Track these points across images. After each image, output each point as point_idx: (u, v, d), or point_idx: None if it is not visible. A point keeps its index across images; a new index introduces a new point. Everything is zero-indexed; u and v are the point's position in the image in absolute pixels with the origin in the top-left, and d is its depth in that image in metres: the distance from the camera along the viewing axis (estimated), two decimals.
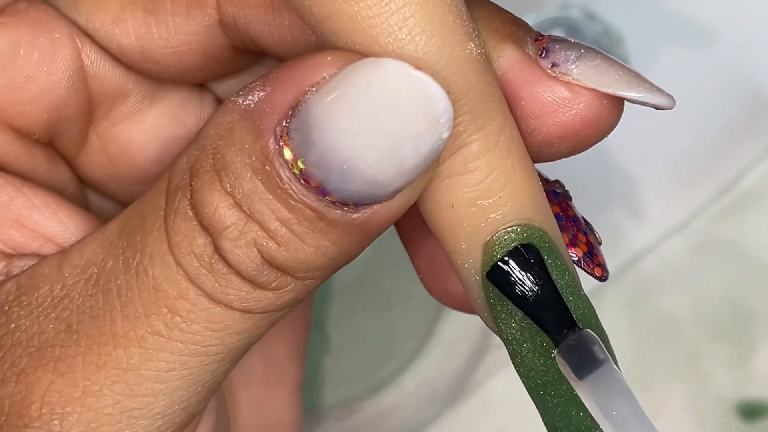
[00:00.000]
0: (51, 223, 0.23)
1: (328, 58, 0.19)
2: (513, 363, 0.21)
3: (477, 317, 0.40)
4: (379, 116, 0.18)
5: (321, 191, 0.19)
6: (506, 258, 0.20)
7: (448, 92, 0.19)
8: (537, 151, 0.21)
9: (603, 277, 0.23)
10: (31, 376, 0.21)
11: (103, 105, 0.25)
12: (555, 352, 0.20)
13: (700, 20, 0.46)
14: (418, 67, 0.18)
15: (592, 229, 0.23)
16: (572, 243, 0.22)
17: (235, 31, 0.24)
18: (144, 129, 0.25)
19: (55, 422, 0.20)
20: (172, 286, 0.20)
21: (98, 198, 0.27)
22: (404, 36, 0.19)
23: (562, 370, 0.20)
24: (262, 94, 0.19)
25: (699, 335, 0.42)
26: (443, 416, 0.41)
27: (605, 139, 0.47)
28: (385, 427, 0.40)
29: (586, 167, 0.42)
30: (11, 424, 0.21)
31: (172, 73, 0.24)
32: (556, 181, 0.23)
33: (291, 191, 0.19)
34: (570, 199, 0.23)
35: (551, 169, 0.23)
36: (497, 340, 0.42)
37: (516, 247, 0.20)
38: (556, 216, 0.22)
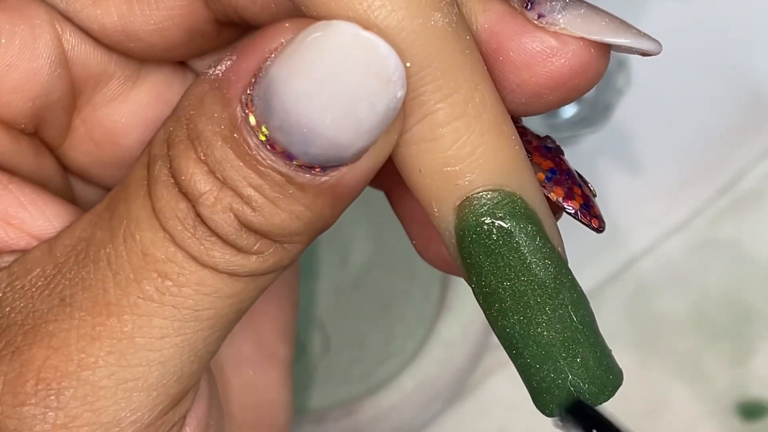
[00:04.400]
0: (38, 221, 0.23)
1: (286, 24, 0.19)
2: (489, 321, 0.21)
3: (476, 317, 0.40)
4: (332, 78, 0.19)
5: (287, 156, 0.19)
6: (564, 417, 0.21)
7: (409, 63, 0.19)
8: (526, 104, 0.22)
9: (600, 228, 0.23)
10: (26, 353, 0.21)
11: (86, 89, 0.25)
12: None
13: (700, 20, 0.46)
14: (367, 28, 0.19)
15: (586, 182, 0.23)
16: (568, 196, 0.22)
17: (218, 3, 0.24)
18: (128, 111, 0.26)
19: (52, 398, 0.20)
20: (160, 250, 0.20)
21: (84, 187, 0.27)
22: (365, 9, 0.19)
23: None
24: (228, 63, 0.20)
25: (699, 335, 0.42)
26: (443, 416, 0.41)
27: (605, 139, 0.47)
28: (385, 427, 0.40)
29: (586, 167, 0.42)
30: (5, 404, 0.21)
31: (156, 51, 0.24)
32: (547, 136, 0.23)
33: (259, 157, 0.19)
34: (562, 153, 0.23)
35: None
36: (497, 339, 0.42)
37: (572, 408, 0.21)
38: (550, 170, 0.22)
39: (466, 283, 0.40)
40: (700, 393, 0.41)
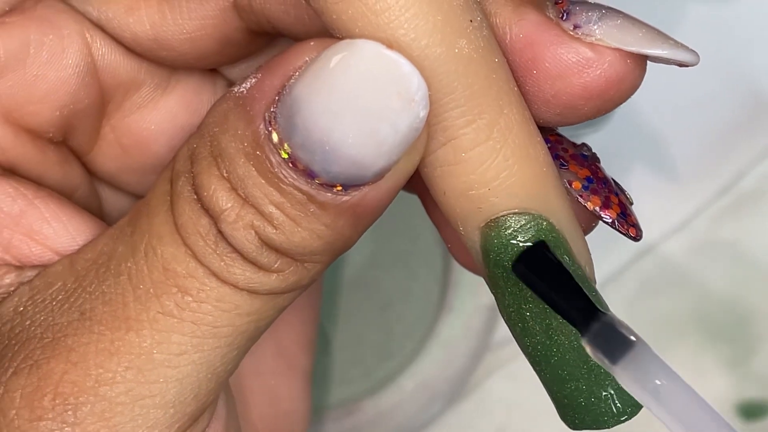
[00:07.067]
0: (61, 237, 0.23)
1: (311, 43, 0.19)
2: (514, 337, 0.21)
3: (476, 317, 0.40)
4: (354, 96, 0.19)
5: (309, 174, 0.19)
6: (518, 259, 0.20)
7: (431, 92, 0.19)
8: (561, 114, 0.22)
9: (638, 237, 0.23)
10: (44, 367, 0.21)
11: (116, 97, 0.25)
12: (583, 342, 0.20)
13: (700, 20, 0.46)
14: (391, 47, 0.19)
15: (622, 190, 0.23)
16: (605, 205, 0.22)
17: (250, 13, 0.24)
18: (158, 118, 0.26)
19: (69, 413, 0.20)
20: (181, 265, 0.20)
21: (111, 194, 0.27)
22: (387, 37, 0.19)
23: (594, 358, 0.20)
24: (254, 81, 0.20)
25: (699, 335, 0.42)
26: (443, 416, 0.41)
27: (605, 137, 0.47)
28: (385, 427, 0.40)
29: None
30: (22, 418, 0.20)
31: (187, 59, 0.24)
32: (584, 144, 0.23)
33: (281, 175, 0.19)
34: (598, 160, 0.23)
35: None
36: (497, 339, 0.42)
37: (527, 249, 0.20)
38: (586, 179, 0.22)
39: (466, 283, 0.40)
40: (700, 393, 0.41)
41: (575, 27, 0.21)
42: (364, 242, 0.41)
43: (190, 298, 0.20)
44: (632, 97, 0.47)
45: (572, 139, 0.45)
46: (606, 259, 0.43)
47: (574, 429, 0.22)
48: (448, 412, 0.41)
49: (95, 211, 0.26)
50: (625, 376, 0.19)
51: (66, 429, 0.20)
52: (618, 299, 0.43)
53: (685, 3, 0.46)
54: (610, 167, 0.45)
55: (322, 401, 0.40)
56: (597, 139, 0.44)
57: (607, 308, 0.21)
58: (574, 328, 0.20)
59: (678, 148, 0.45)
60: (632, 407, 0.21)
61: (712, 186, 0.44)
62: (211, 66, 0.26)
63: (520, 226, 0.20)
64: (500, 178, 0.20)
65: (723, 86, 0.45)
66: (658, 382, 0.19)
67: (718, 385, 0.41)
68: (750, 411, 0.41)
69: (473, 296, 0.40)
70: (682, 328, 0.42)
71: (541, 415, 0.42)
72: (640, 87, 0.44)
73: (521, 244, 0.20)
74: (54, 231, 0.23)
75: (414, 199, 0.26)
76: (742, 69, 0.45)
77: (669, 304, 0.43)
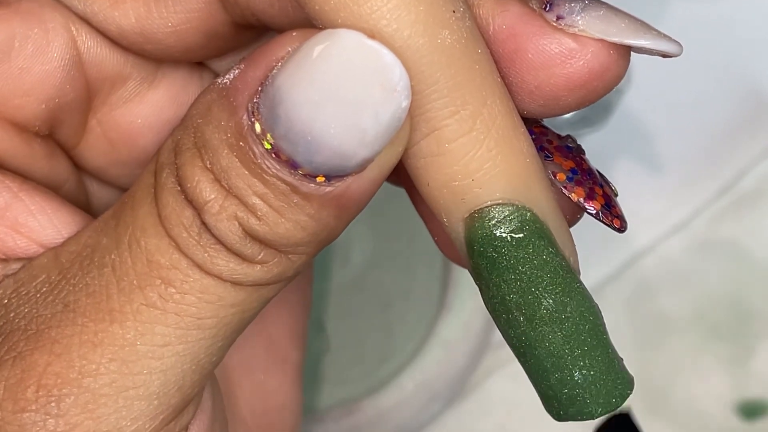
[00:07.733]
0: (47, 230, 0.23)
1: (294, 33, 0.19)
2: (499, 328, 0.21)
3: (476, 317, 0.40)
4: (336, 86, 0.19)
5: (292, 164, 0.19)
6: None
7: (413, 82, 0.19)
8: (544, 105, 0.22)
9: (622, 228, 0.23)
10: (28, 359, 0.21)
11: (102, 90, 0.25)
12: None
13: (700, 20, 0.46)
14: (372, 36, 0.19)
15: (607, 181, 0.23)
16: (589, 196, 0.22)
17: (235, 5, 0.24)
18: (145, 112, 0.26)
19: (53, 405, 0.20)
20: (165, 257, 0.20)
21: (99, 188, 0.27)
22: (370, 27, 0.19)
23: None
24: (237, 72, 0.20)
25: (699, 335, 0.42)
26: (443, 416, 0.41)
27: (605, 137, 0.47)
28: (385, 427, 0.40)
29: None
30: (5, 410, 0.20)
31: (173, 53, 0.24)
32: (568, 136, 0.23)
33: (265, 166, 0.19)
34: (583, 152, 0.23)
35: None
36: (497, 339, 0.42)
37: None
38: (571, 170, 0.22)
39: (466, 283, 0.40)
40: (700, 393, 0.41)
41: (558, 18, 0.21)
42: (364, 242, 0.42)
43: (174, 290, 0.20)
44: (632, 97, 0.47)
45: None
46: (606, 259, 0.43)
47: (558, 420, 0.22)
48: (448, 412, 0.42)
49: (82, 204, 0.26)
50: None
51: (49, 420, 0.20)
52: (618, 299, 0.43)
53: (685, 2, 0.46)
54: (610, 167, 0.45)
55: (321, 401, 0.40)
56: (597, 138, 0.44)
57: (594, 312, 0.21)
58: (558, 317, 0.20)
59: (678, 148, 0.45)
60: (620, 397, 0.21)
61: (712, 186, 0.44)
62: (198, 59, 0.26)
63: (504, 217, 0.20)
64: (484, 169, 0.20)
65: (723, 86, 0.45)
66: None
67: (718, 385, 0.41)
68: (750, 411, 0.41)
69: (473, 296, 0.40)
70: (682, 328, 0.42)
71: (541, 415, 0.42)
72: (641, 87, 0.44)
73: (503, 236, 0.20)
74: (39, 224, 0.23)
75: None
76: (742, 69, 0.45)
77: (669, 304, 0.43)
